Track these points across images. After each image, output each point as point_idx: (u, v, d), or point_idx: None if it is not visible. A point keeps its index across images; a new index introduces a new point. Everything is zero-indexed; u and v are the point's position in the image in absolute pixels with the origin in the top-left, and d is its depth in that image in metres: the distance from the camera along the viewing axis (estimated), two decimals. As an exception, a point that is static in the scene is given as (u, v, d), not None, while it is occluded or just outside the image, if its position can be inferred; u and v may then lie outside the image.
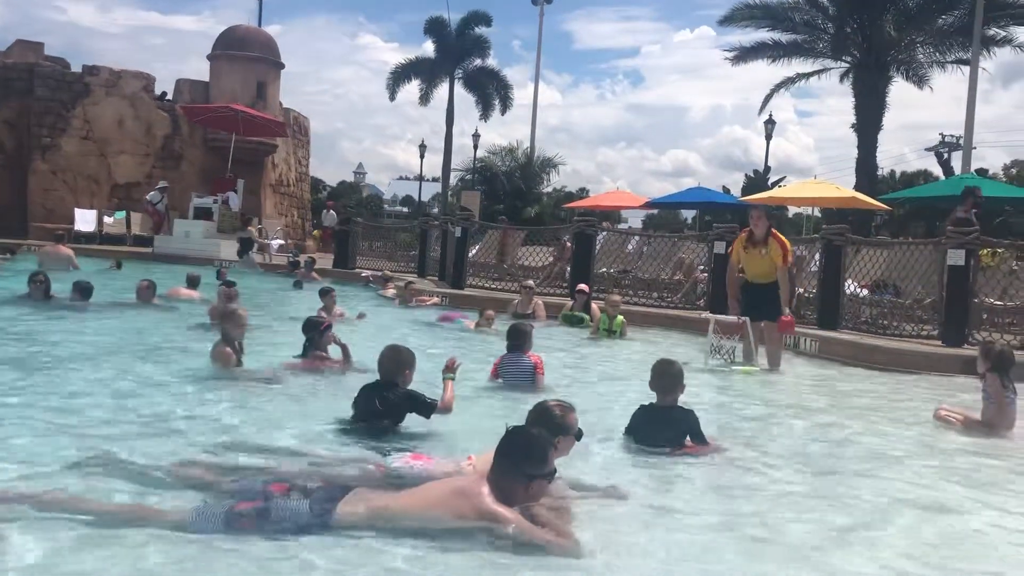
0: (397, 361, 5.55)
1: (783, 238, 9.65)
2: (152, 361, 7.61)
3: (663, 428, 5.31)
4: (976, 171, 30.10)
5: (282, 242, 25.28)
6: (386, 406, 5.40)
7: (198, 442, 4.92)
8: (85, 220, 24.73)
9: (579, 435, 4.39)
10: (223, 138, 25.61)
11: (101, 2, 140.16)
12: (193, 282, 12.91)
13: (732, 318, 9.43)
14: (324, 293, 11.43)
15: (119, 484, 4.02)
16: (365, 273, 18.58)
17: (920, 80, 30.99)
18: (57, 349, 7.87)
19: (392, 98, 43.94)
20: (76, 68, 26.84)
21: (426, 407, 5.46)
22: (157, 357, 7.84)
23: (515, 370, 7.27)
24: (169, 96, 27.90)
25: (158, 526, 3.48)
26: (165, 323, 10.28)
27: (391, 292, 15.76)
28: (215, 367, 7.01)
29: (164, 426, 5.30)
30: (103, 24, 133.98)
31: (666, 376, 5.53)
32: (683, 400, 5.61)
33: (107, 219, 25.12)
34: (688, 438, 5.32)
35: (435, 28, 42.09)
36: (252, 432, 5.31)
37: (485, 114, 42.82)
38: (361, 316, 11.65)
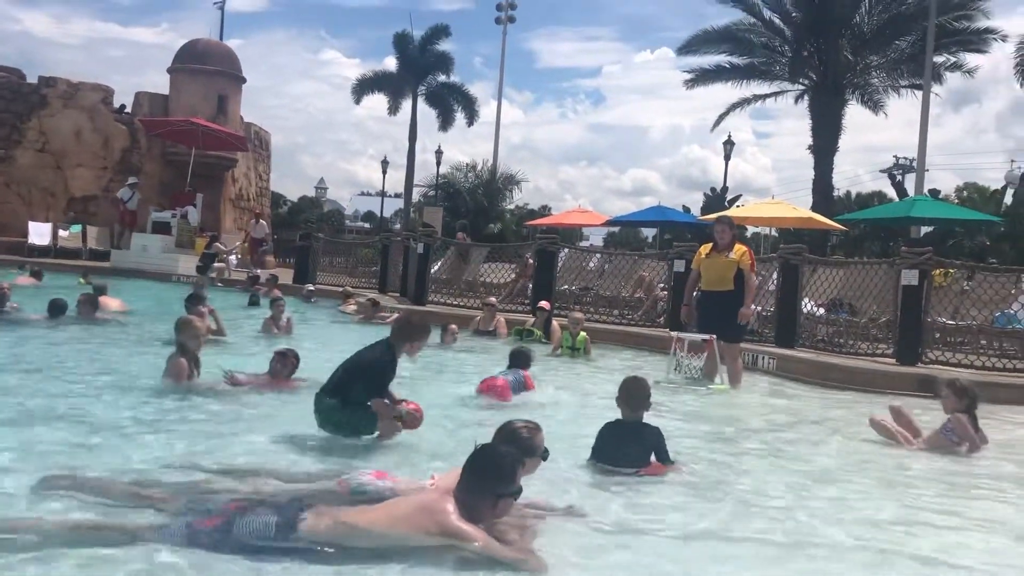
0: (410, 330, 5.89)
1: (748, 247, 9.85)
2: (104, 377, 7.46)
3: (630, 444, 5.31)
4: (928, 192, 30.79)
5: (240, 257, 25.04)
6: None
7: (157, 461, 4.86)
8: (39, 233, 24.30)
9: (545, 455, 4.41)
10: (183, 152, 25.37)
11: (58, 12, 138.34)
12: (102, 290, 12.76)
13: (700, 336, 9.49)
14: (273, 301, 11.46)
15: (76, 504, 3.96)
16: (307, 288, 18.41)
17: (875, 104, 31.72)
18: (4, 367, 7.70)
19: (357, 102, 43.96)
20: (32, 79, 26.44)
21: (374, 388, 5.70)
22: (109, 373, 7.70)
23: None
24: (128, 109, 27.57)
25: (119, 543, 3.43)
26: (111, 337, 10.11)
27: (352, 308, 15.69)
28: (168, 382, 6.88)
29: (121, 445, 5.22)
30: (59, 35, 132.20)
31: (635, 393, 5.54)
32: (646, 417, 5.64)
33: (62, 233, 24.70)
34: (653, 455, 5.34)
35: (400, 43, 42.15)
36: (212, 450, 5.25)
37: (446, 128, 42.96)
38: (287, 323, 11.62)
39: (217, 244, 22.67)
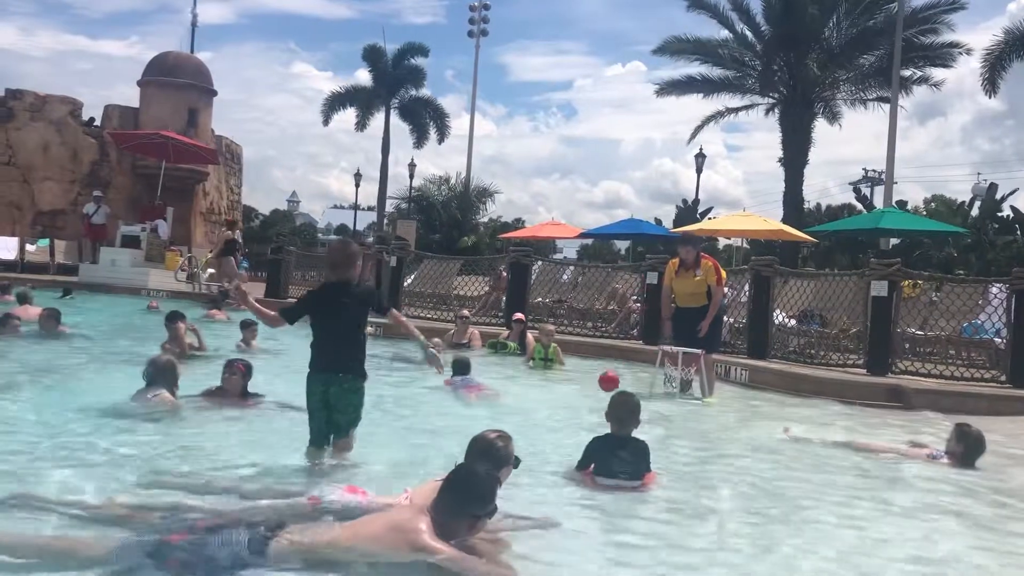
0: (345, 254, 5.53)
1: (715, 261, 9.93)
2: (69, 392, 7.32)
3: (629, 457, 5.31)
4: (896, 203, 31.18)
5: (213, 270, 24.77)
6: (353, 301, 5.42)
7: (125, 477, 4.79)
8: (6, 248, 23.94)
9: (517, 463, 4.40)
10: (153, 165, 25.10)
11: (24, 24, 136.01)
12: (25, 298, 12.50)
13: (692, 350, 9.45)
14: (244, 326, 11.21)
15: (42, 521, 3.89)
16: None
17: (833, 117, 32.26)
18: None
19: (326, 123, 43.86)
20: (-1, 92, 26.15)
21: (380, 301, 5.66)
22: (70, 389, 7.54)
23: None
24: (97, 122, 27.28)
25: (84, 561, 3.37)
26: (74, 353, 9.93)
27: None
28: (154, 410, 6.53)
29: (88, 461, 5.14)
30: (27, 47, 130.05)
31: (629, 410, 5.52)
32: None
33: (29, 247, 24.35)
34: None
35: (372, 56, 42.06)
36: (181, 467, 5.18)
37: (420, 142, 42.90)
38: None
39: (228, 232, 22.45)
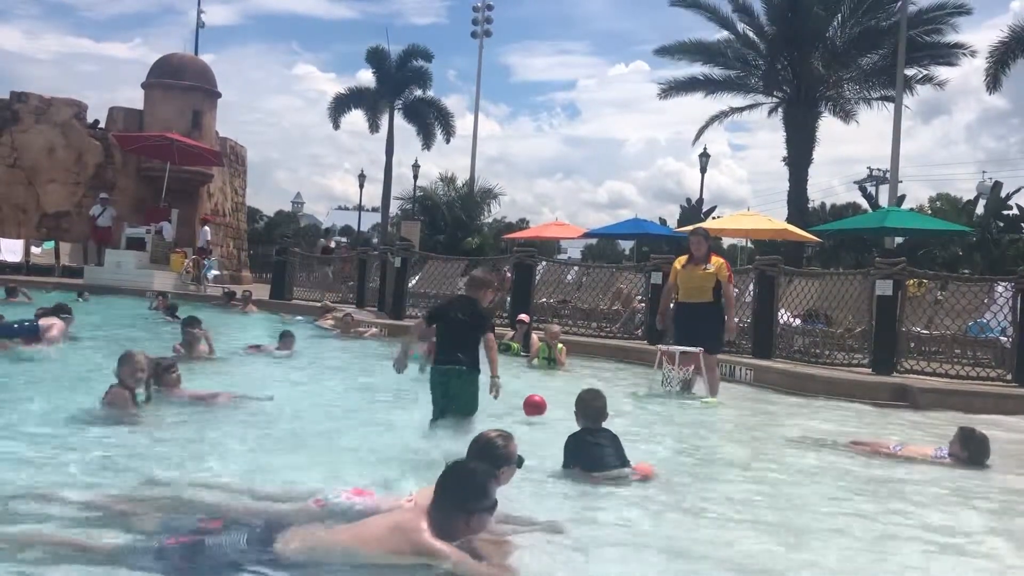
0: (479, 281, 6.77)
1: (724, 259, 9.91)
2: (73, 393, 7.32)
3: (610, 444, 5.36)
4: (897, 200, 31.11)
5: (217, 272, 24.83)
6: (474, 319, 6.39)
7: (131, 477, 4.79)
8: (11, 250, 24.04)
9: (520, 463, 4.38)
10: (157, 167, 25.15)
11: (29, 27, 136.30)
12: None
13: (689, 349, 9.46)
14: (283, 336, 11.46)
15: (47, 520, 3.89)
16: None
17: (847, 115, 32.04)
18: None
19: (336, 126, 43.90)
20: (3, 95, 26.18)
21: (488, 326, 6.56)
22: (78, 389, 7.55)
23: None
24: (102, 124, 27.32)
25: (88, 561, 3.37)
26: (75, 353, 9.91)
27: (329, 323, 15.62)
28: (112, 411, 6.35)
29: (94, 461, 5.14)
30: (31, 50, 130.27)
31: (599, 403, 5.61)
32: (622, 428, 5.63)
33: (35, 249, 24.44)
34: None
35: (375, 58, 42.02)
36: (186, 467, 5.18)
37: (427, 143, 42.83)
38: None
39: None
